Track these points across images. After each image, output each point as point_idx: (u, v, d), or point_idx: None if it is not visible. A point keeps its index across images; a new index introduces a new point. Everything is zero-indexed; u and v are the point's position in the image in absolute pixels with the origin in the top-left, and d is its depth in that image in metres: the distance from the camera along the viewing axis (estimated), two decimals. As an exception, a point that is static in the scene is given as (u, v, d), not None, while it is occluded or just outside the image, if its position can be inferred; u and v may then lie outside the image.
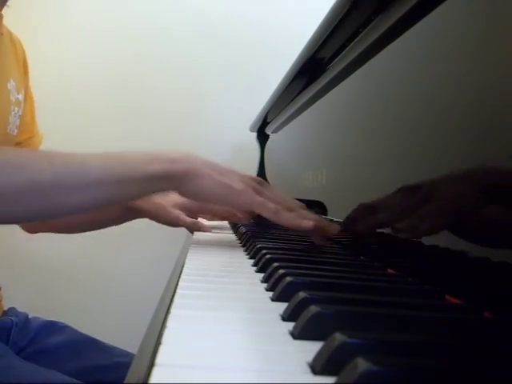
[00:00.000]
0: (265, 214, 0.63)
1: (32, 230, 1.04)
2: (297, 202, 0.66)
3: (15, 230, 1.04)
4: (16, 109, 0.89)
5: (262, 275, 0.47)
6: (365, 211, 0.59)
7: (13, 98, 0.87)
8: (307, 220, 0.61)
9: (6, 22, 0.87)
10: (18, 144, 0.98)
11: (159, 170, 0.59)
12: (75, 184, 0.58)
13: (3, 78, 0.84)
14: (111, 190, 0.59)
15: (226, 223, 1.06)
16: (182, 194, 0.64)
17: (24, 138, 0.99)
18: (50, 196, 0.57)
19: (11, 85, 0.86)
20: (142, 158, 0.61)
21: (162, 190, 0.63)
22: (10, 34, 0.94)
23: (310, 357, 0.25)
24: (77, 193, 0.58)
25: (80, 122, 1.62)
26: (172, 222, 0.88)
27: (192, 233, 0.86)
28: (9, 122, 0.86)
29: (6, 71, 0.86)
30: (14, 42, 0.94)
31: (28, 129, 1.00)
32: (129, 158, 0.61)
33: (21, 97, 0.91)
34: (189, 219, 0.88)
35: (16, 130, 0.90)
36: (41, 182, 0.56)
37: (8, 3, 0.84)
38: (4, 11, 0.85)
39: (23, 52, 0.98)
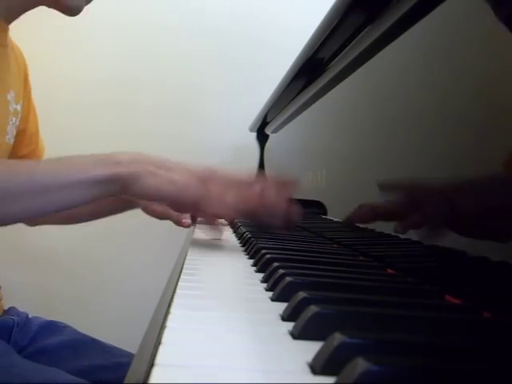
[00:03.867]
0: (209, 212, 0.63)
1: (32, 223, 1.07)
2: (247, 180, 0.65)
3: (15, 229, 1.04)
4: (14, 119, 0.90)
5: (261, 275, 0.47)
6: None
7: (11, 109, 0.88)
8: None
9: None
10: (24, 156, 1.01)
11: (104, 174, 0.60)
12: (22, 191, 0.58)
13: (4, 89, 0.85)
14: (57, 196, 0.60)
15: (225, 222, 1.06)
16: (130, 196, 0.63)
17: (30, 149, 1.02)
18: (4, 202, 0.57)
19: (11, 95, 0.87)
20: (87, 161, 0.61)
21: (111, 192, 0.62)
22: (13, 45, 0.95)
23: (310, 357, 0.25)
24: (24, 200, 0.58)
25: (79, 120, 1.62)
26: (159, 215, 0.95)
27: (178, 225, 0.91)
28: (7, 132, 0.87)
29: (8, 82, 0.87)
30: (16, 55, 0.96)
31: (34, 140, 1.03)
32: (74, 162, 0.62)
33: (19, 107, 0.92)
34: (174, 213, 0.91)
35: (12, 140, 0.91)
36: None
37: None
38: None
39: (25, 64, 1.00)
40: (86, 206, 0.89)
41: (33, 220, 1.05)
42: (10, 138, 0.89)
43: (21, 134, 0.96)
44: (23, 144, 0.98)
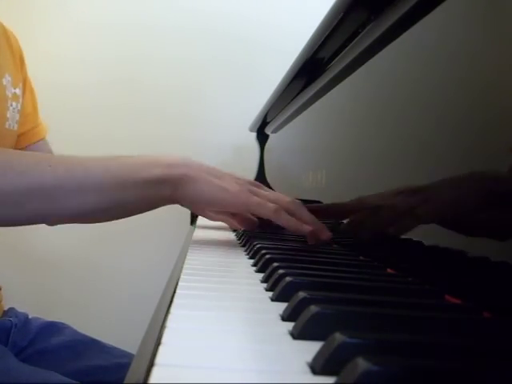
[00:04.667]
0: (264, 214, 0.63)
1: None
2: (295, 200, 0.66)
3: (15, 229, 1.04)
4: (14, 104, 0.88)
5: (261, 275, 0.47)
6: (365, 214, 0.60)
7: (9, 93, 0.87)
8: (306, 225, 0.62)
9: (2, 18, 0.87)
10: (22, 135, 0.97)
11: (157, 175, 0.60)
12: (76, 188, 0.59)
13: None
14: (111, 195, 0.60)
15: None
16: (179, 199, 0.63)
17: (27, 128, 0.99)
18: (51, 200, 0.58)
19: (6, 80, 0.86)
20: (140, 162, 0.62)
21: (161, 194, 0.63)
22: (4, 28, 0.93)
23: (310, 357, 0.25)
24: (77, 196, 0.59)
25: (77, 121, 1.62)
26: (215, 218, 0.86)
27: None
28: (7, 118, 0.86)
29: (1, 67, 0.85)
30: (8, 37, 0.94)
31: (30, 119, 1.00)
32: (128, 162, 0.62)
33: (18, 91, 0.90)
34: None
35: (16, 126, 0.90)
36: (42, 186, 0.57)
37: None
38: None
39: (18, 46, 0.98)
40: None
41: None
42: (11, 124, 0.88)
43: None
44: (19, 124, 0.95)
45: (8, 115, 0.86)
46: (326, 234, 0.63)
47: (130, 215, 0.97)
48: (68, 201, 0.59)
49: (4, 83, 0.85)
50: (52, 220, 0.66)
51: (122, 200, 0.62)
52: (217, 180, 0.62)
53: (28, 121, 0.99)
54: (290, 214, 0.63)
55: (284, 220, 0.62)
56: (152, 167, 0.61)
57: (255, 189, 0.65)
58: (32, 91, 1.02)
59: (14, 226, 0.67)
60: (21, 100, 0.91)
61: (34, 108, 1.02)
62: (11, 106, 0.87)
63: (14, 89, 0.88)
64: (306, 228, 0.61)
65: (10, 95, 0.87)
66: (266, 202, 0.62)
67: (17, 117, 0.90)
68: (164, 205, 0.87)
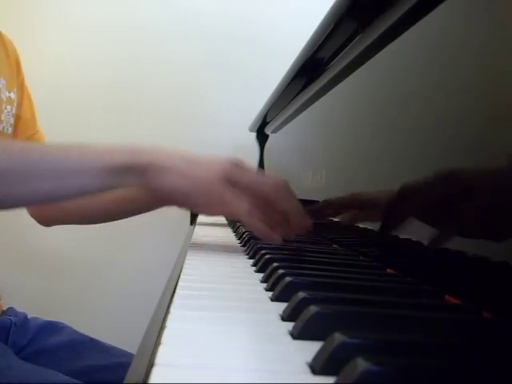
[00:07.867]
0: (236, 216, 0.58)
1: (47, 223, 0.99)
2: (278, 186, 0.58)
3: (14, 229, 1.04)
4: (8, 107, 0.88)
5: (261, 275, 0.47)
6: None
7: (3, 97, 0.87)
8: (276, 236, 0.58)
9: (2, 21, 0.87)
10: None
11: (120, 161, 0.56)
12: (31, 173, 0.56)
13: None
14: (70, 181, 0.57)
15: (224, 221, 1.06)
16: (146, 190, 0.58)
17: (28, 135, 0.99)
18: (5, 184, 0.56)
19: (1, 83, 0.86)
20: (103, 149, 0.58)
21: (127, 183, 0.57)
22: (1, 34, 0.94)
23: (310, 357, 0.25)
24: (33, 182, 0.56)
25: (77, 123, 1.62)
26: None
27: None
28: (1, 121, 0.86)
29: None
30: (5, 43, 0.94)
31: (30, 126, 1.00)
32: (89, 149, 0.58)
33: (13, 95, 0.90)
34: None
35: (10, 129, 0.90)
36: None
37: None
38: None
39: (15, 52, 0.98)
40: (112, 204, 0.84)
41: (46, 220, 0.98)
42: (6, 127, 0.88)
43: (15, 121, 0.93)
44: (18, 131, 0.95)
45: (2, 118, 0.86)
46: (305, 227, 0.59)
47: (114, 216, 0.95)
48: (22, 186, 0.56)
49: None
50: (7, 206, 0.62)
51: (82, 189, 0.58)
52: (187, 170, 0.56)
53: (28, 128, 0.99)
54: (270, 202, 0.57)
55: (254, 228, 0.58)
56: (114, 154, 0.57)
57: (234, 174, 0.57)
58: (29, 98, 1.02)
59: None
60: (15, 104, 0.91)
61: (33, 114, 1.02)
62: (5, 109, 0.87)
63: (9, 92, 0.89)
64: (276, 239, 0.58)
65: (4, 98, 0.87)
66: (239, 202, 0.56)
67: (11, 120, 0.90)
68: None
